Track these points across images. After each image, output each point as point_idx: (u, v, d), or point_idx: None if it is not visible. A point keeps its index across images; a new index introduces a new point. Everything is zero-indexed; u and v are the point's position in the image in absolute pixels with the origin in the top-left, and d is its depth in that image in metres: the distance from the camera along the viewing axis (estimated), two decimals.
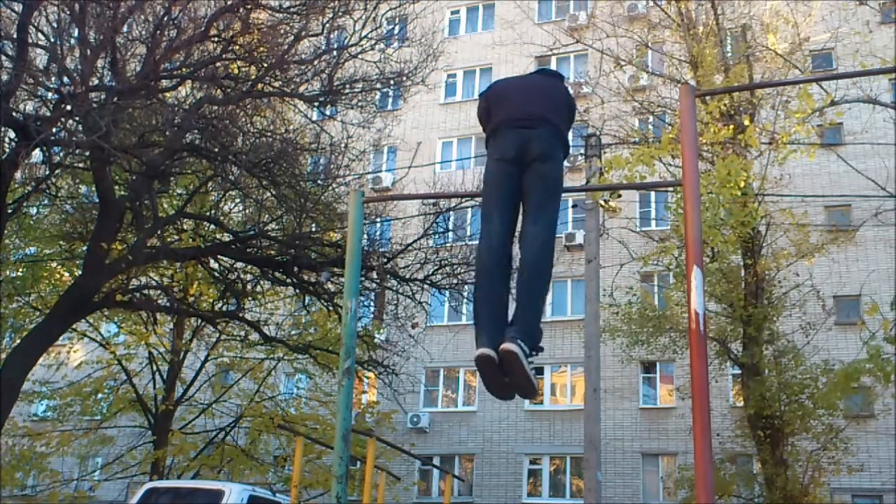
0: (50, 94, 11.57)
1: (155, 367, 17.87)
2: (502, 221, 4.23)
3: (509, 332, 3.89)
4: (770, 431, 14.83)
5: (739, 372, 16.56)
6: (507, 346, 3.80)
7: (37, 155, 12.95)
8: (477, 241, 4.36)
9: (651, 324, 16.38)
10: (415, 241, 14.51)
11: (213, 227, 15.09)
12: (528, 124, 4.31)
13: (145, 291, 14.69)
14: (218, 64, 12.08)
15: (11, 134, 11.72)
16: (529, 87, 4.57)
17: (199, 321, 17.06)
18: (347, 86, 13.26)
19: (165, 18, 11.43)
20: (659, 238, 16.55)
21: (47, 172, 13.31)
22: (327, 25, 12.72)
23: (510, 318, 4.02)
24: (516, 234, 4.31)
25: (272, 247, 13.95)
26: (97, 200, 13.44)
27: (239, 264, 15.04)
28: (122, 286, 13.78)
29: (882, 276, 21.28)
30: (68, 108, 10.72)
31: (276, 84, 12.68)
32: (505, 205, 4.25)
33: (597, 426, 12.01)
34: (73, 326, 15.30)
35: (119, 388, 18.12)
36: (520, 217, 4.33)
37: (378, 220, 15.80)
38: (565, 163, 4.58)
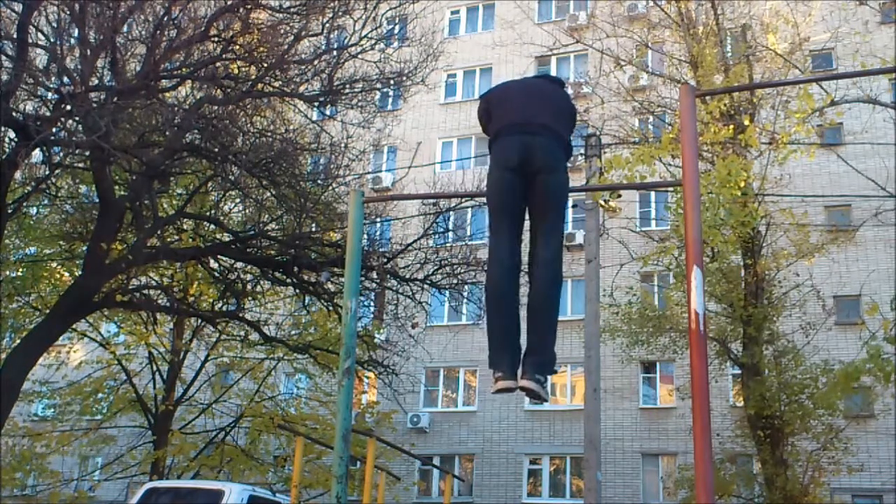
0: (50, 94, 11.56)
1: (155, 367, 17.87)
2: (511, 236, 4.32)
3: (527, 363, 4.13)
4: (770, 431, 14.83)
5: (739, 372, 16.56)
6: (527, 384, 4.09)
7: (37, 155, 12.95)
8: (487, 256, 4.47)
9: (651, 324, 16.38)
10: (415, 241, 14.50)
11: (213, 227, 15.08)
12: (530, 130, 4.33)
13: (145, 291, 14.68)
14: (218, 64, 12.07)
15: (11, 134, 11.73)
16: (531, 91, 4.58)
17: (199, 321, 17.05)
18: (347, 86, 13.26)
19: (165, 18, 11.42)
20: (659, 238, 16.53)
21: (47, 172, 13.31)
22: (327, 25, 12.71)
23: (525, 342, 4.19)
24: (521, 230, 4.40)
25: (272, 247, 13.95)
26: (97, 200, 13.44)
27: (239, 264, 15.03)
28: (122, 286, 13.77)
29: (882, 276, 21.26)
30: (68, 108, 10.71)
31: (276, 84, 12.68)
32: (512, 218, 4.34)
33: (597, 426, 12.01)
34: (73, 326, 15.29)
35: (119, 388, 18.12)
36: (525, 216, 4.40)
37: (378, 220, 15.79)
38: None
